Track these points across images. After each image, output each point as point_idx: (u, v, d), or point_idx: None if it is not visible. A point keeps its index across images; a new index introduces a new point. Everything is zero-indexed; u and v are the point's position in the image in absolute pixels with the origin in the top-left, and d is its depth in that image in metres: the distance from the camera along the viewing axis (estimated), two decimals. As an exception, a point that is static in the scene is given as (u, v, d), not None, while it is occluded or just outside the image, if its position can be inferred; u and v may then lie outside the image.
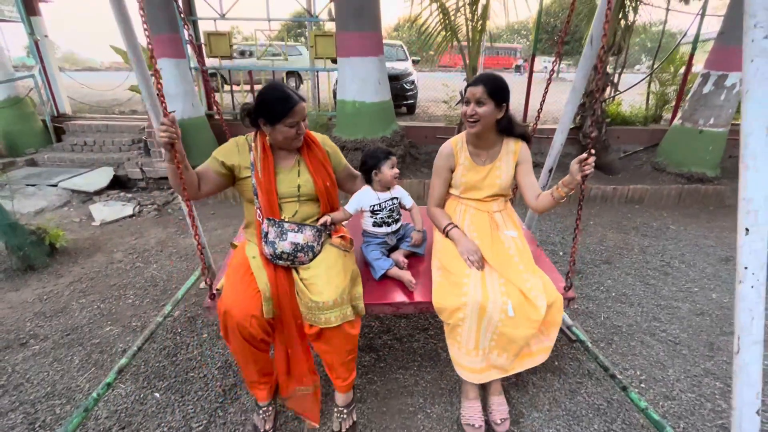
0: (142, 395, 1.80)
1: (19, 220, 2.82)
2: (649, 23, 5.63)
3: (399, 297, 1.69)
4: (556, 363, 1.99)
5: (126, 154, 4.89)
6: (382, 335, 2.19)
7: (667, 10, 5.37)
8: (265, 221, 1.54)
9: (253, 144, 1.60)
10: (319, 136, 1.75)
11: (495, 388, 1.69)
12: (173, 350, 2.07)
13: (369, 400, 1.79)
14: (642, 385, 1.90)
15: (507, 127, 1.73)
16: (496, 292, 1.54)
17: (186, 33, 5.23)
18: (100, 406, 1.74)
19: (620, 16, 4.55)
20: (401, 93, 6.94)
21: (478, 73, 1.66)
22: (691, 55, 5.23)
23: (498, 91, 1.60)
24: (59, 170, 4.71)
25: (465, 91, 1.65)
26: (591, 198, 4.27)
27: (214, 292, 1.65)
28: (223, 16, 5.71)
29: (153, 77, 1.56)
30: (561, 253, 3.14)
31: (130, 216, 3.82)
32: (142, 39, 1.87)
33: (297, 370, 1.58)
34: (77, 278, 2.74)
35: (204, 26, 5.80)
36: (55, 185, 4.27)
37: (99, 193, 4.28)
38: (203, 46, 5.52)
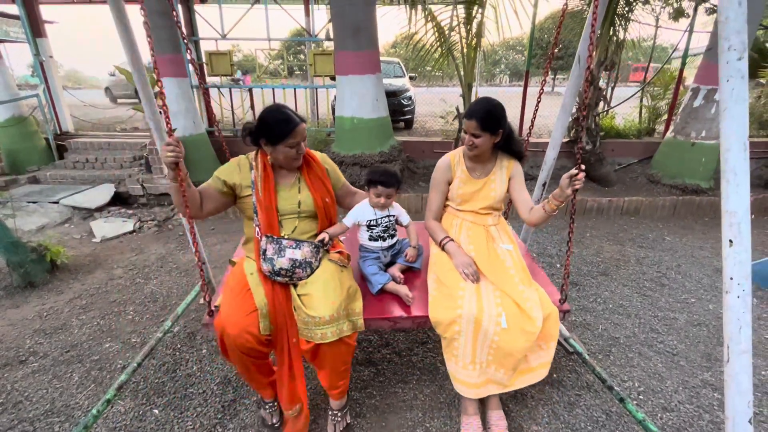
0: (141, 412, 1.80)
1: (21, 237, 2.85)
2: (640, 39, 5.77)
3: (397, 311, 1.70)
4: (555, 375, 2.00)
5: (127, 170, 4.94)
6: (381, 349, 2.20)
7: (657, 27, 5.52)
8: (264, 238, 1.57)
9: (254, 163, 1.64)
10: (318, 155, 1.80)
11: (493, 403, 1.69)
12: (172, 366, 2.08)
13: (368, 414, 1.79)
14: (640, 397, 1.90)
15: (504, 144, 1.79)
16: (491, 305, 1.56)
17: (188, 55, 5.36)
18: (100, 423, 1.74)
19: (611, 32, 4.68)
20: (399, 108, 7.06)
21: (473, 100, 1.72)
22: (681, 70, 5.36)
23: (492, 123, 1.66)
24: (61, 187, 4.75)
25: (458, 113, 1.74)
26: (587, 210, 4.31)
27: (213, 308, 1.66)
28: (224, 37, 5.87)
29: (157, 97, 1.61)
30: (558, 265, 3.17)
31: (131, 232, 3.85)
32: (146, 59, 1.94)
33: (286, 390, 1.56)
34: (77, 295, 2.76)
35: (205, 46, 5.94)
36: (56, 202, 4.31)
37: (100, 209, 4.32)
38: (205, 65, 5.64)
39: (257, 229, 1.60)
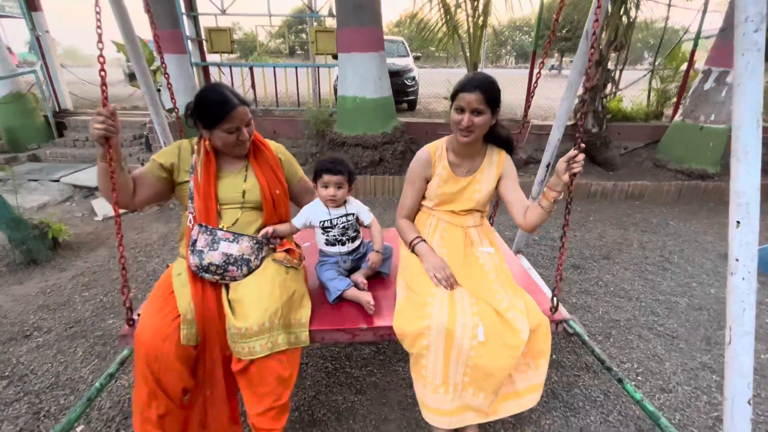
0: (144, 386, 1.83)
1: (22, 215, 2.85)
2: (651, 19, 5.60)
3: (356, 321, 1.48)
4: (554, 356, 2.02)
5: (127, 149, 4.91)
6: (381, 328, 2.21)
7: (669, 6, 5.35)
8: (196, 227, 1.37)
9: (196, 147, 1.47)
10: (273, 144, 1.61)
11: None
12: (175, 342, 2.10)
13: (369, 391, 1.81)
14: (639, 378, 1.92)
15: (491, 132, 1.54)
16: (465, 314, 1.33)
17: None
18: (104, 397, 1.77)
19: (622, 12, 4.53)
20: (402, 89, 6.94)
21: (469, 75, 1.47)
22: (693, 52, 5.22)
23: (496, 98, 1.41)
24: (61, 165, 4.74)
25: (454, 95, 1.46)
26: (591, 194, 4.28)
27: (134, 317, 1.44)
28: (224, 12, 5.73)
29: (155, 73, 1.56)
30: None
31: (133, 211, 3.85)
32: (141, 34, 1.89)
33: (215, 419, 1.34)
34: (80, 272, 2.77)
35: (205, 22, 5.82)
36: (57, 180, 4.30)
37: (101, 188, 4.31)
38: (204, 41, 5.54)
39: (190, 217, 1.41)
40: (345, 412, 1.70)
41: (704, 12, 5.01)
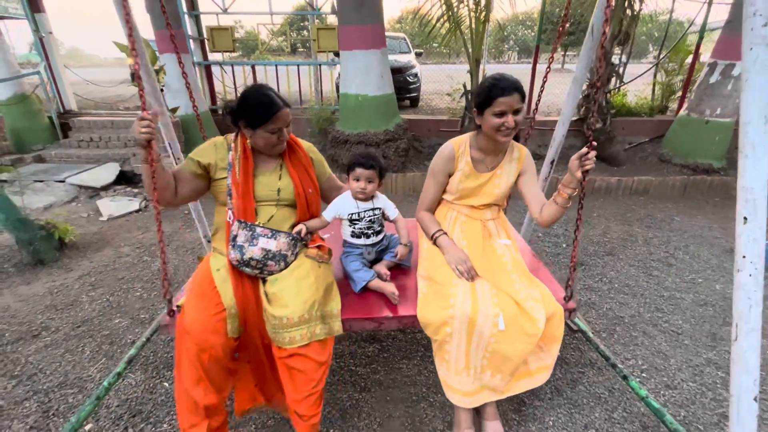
0: (151, 384, 1.85)
1: (29, 216, 2.88)
2: (656, 12, 5.53)
3: (381, 311, 1.56)
4: (559, 353, 2.01)
5: (131, 149, 4.93)
6: (385, 326, 2.22)
7: (674, -2, 5.29)
8: (236, 223, 1.44)
9: (233, 144, 1.53)
10: (304, 143, 1.68)
11: (490, 413, 1.53)
12: (181, 341, 2.12)
13: (373, 389, 1.82)
14: (643, 375, 1.91)
15: None
16: (487, 304, 1.41)
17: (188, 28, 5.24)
18: (111, 395, 1.79)
19: (626, 4, 4.49)
20: (404, 86, 6.92)
21: (496, 76, 1.51)
22: (698, 45, 5.16)
23: (524, 95, 1.50)
24: (66, 166, 4.76)
25: (465, 90, 1.55)
26: (595, 190, 4.25)
27: (174, 308, 1.53)
28: (225, 11, 5.73)
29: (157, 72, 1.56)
30: (564, 245, 3.15)
31: (137, 211, 3.87)
32: (144, 34, 1.89)
33: (267, 388, 1.50)
34: (86, 272, 2.80)
35: (206, 21, 5.81)
36: (62, 181, 4.33)
37: (106, 188, 4.34)
38: (206, 41, 5.54)
39: (230, 212, 1.47)
40: (350, 410, 1.71)
41: (710, 3, 4.95)
